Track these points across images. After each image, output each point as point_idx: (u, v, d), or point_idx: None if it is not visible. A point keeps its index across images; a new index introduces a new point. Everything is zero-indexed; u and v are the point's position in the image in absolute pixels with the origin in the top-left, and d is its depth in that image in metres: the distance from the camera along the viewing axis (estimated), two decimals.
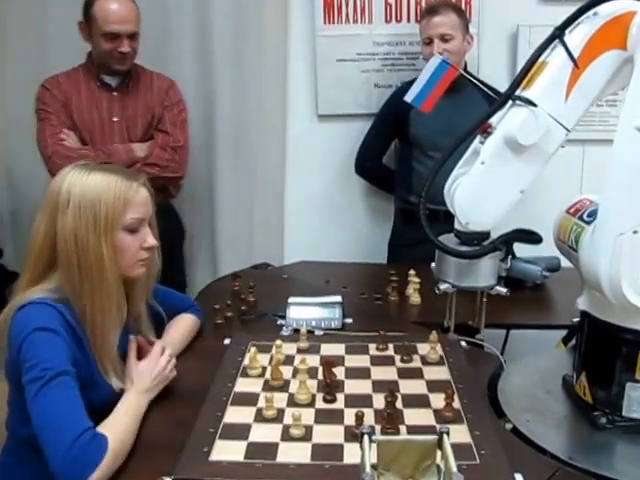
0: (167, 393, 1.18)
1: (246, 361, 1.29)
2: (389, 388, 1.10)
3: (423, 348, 1.33)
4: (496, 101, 1.09)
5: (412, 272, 1.68)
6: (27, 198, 2.41)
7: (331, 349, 1.37)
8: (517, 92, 1.05)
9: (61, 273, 1.09)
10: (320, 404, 1.15)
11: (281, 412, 1.12)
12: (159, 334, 1.32)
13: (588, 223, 1.09)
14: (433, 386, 1.20)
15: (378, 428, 1.04)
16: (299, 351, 1.35)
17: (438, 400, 1.13)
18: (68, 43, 2.24)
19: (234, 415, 1.12)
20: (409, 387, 1.20)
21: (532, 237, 1.14)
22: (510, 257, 1.16)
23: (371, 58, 2.33)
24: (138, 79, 2.01)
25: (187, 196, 2.31)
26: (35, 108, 1.93)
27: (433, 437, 0.82)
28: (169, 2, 2.26)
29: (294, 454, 1.01)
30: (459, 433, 1.04)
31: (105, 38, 1.86)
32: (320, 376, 1.21)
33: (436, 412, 1.11)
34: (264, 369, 1.27)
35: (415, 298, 1.64)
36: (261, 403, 1.14)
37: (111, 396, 1.10)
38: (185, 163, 2.02)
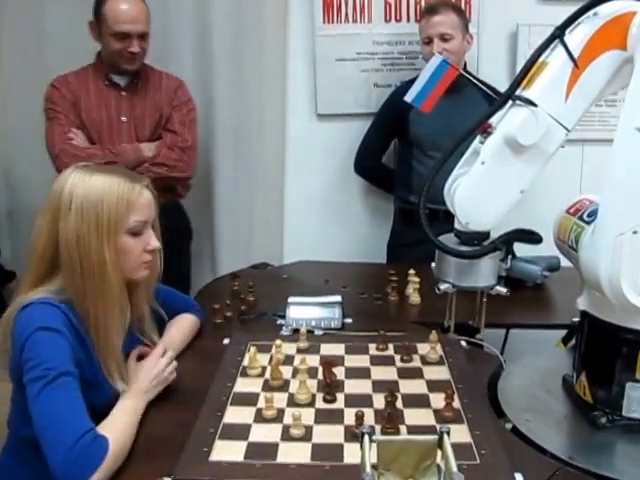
0: (166, 393, 1.18)
1: (246, 361, 1.29)
2: (389, 388, 1.10)
3: (423, 348, 1.33)
4: (496, 101, 1.09)
5: (412, 272, 1.68)
6: (25, 198, 2.41)
7: (331, 349, 1.37)
8: (517, 92, 1.05)
9: (64, 275, 1.09)
10: (320, 404, 1.15)
11: (281, 412, 1.12)
12: (160, 334, 1.31)
13: (588, 223, 1.09)
14: (433, 386, 1.20)
15: (378, 428, 1.04)
16: (299, 351, 1.35)
17: (438, 400, 1.13)
18: (67, 43, 2.25)
19: (234, 415, 1.12)
20: (409, 387, 1.20)
21: (532, 237, 1.14)
22: (510, 257, 1.16)
23: (371, 57, 2.33)
24: (147, 79, 2.01)
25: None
26: (44, 107, 1.93)
27: (433, 437, 0.82)
28: (169, 2, 2.26)
29: (294, 454, 1.01)
30: (459, 433, 1.04)
31: (115, 38, 1.86)
32: (320, 376, 1.21)
33: (436, 412, 1.11)
34: (264, 369, 1.26)
35: (415, 298, 1.64)
36: (261, 403, 1.14)
37: (114, 398, 1.10)
38: (193, 163, 2.03)
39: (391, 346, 1.36)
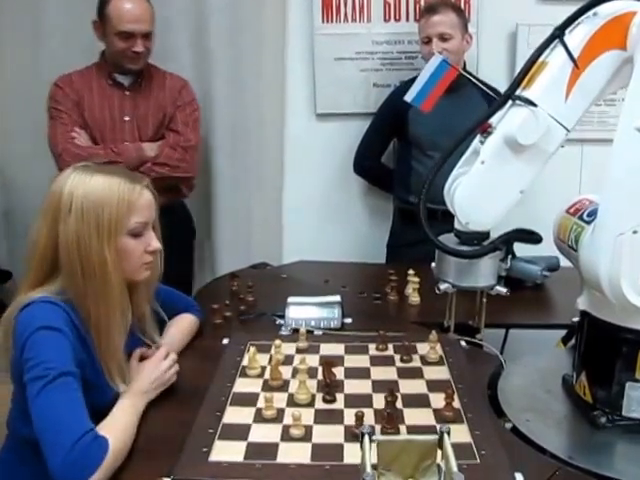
0: (166, 393, 1.18)
1: (245, 361, 1.29)
2: (389, 388, 1.10)
3: (423, 348, 1.33)
4: (496, 101, 1.08)
5: (411, 272, 1.68)
6: (20, 198, 2.41)
7: (330, 349, 1.36)
8: (517, 92, 1.05)
9: (64, 276, 1.08)
10: (320, 404, 1.15)
11: (281, 412, 1.11)
12: (160, 334, 1.31)
13: (588, 223, 1.09)
14: (433, 386, 1.20)
15: (378, 428, 1.04)
16: (298, 351, 1.35)
17: (438, 400, 1.13)
18: (62, 43, 2.25)
19: (233, 415, 1.11)
20: (409, 387, 1.20)
21: (532, 237, 1.14)
22: (510, 257, 1.16)
23: (370, 57, 2.33)
24: (151, 78, 2.01)
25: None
26: (47, 106, 1.94)
27: (433, 437, 0.82)
28: (168, 1, 2.26)
29: (294, 454, 1.00)
30: (459, 433, 1.04)
31: (119, 37, 1.87)
32: (320, 376, 1.21)
33: (436, 412, 1.11)
34: (263, 369, 1.26)
35: (414, 298, 1.64)
36: (260, 403, 1.14)
37: (114, 398, 1.09)
38: (196, 163, 2.03)
39: (391, 346, 1.36)
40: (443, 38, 1.99)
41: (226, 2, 2.25)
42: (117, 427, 1.01)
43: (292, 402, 1.15)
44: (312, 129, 2.42)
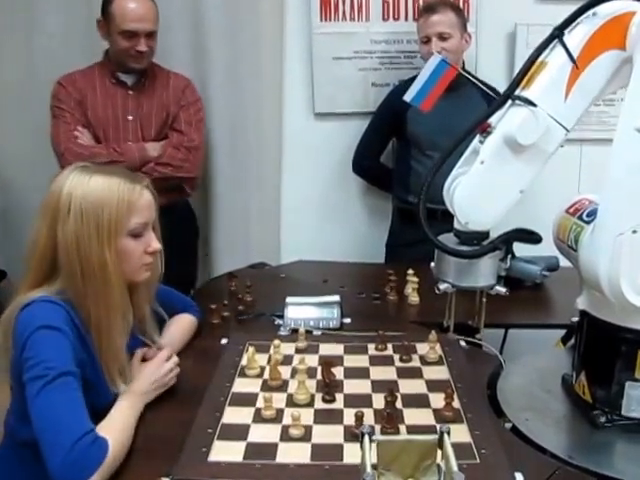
0: (165, 394, 1.18)
1: (244, 361, 1.28)
2: (389, 388, 1.10)
3: (422, 348, 1.33)
4: (495, 100, 1.08)
5: (410, 272, 1.68)
6: (15, 197, 2.40)
7: (330, 349, 1.36)
8: (516, 92, 1.05)
9: (63, 277, 1.08)
10: (319, 404, 1.15)
11: (280, 412, 1.11)
12: (160, 334, 1.31)
13: (588, 223, 1.09)
14: (433, 386, 1.20)
15: (378, 428, 1.04)
16: (297, 351, 1.35)
17: (438, 400, 1.12)
18: (59, 43, 2.25)
19: (232, 415, 1.11)
20: (408, 387, 1.20)
21: (532, 237, 1.14)
22: (510, 257, 1.16)
23: (368, 56, 2.32)
24: (154, 78, 2.01)
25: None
26: (50, 105, 1.93)
27: (433, 437, 0.82)
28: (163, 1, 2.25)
29: (294, 454, 1.00)
30: (459, 432, 1.04)
31: (123, 36, 1.86)
32: (319, 376, 1.21)
33: (436, 412, 1.11)
34: (262, 369, 1.26)
35: (414, 298, 1.64)
36: (260, 403, 1.14)
37: (114, 399, 1.09)
38: (199, 163, 2.03)
39: (390, 346, 1.35)
40: (442, 37, 1.98)
41: (225, 3, 2.24)
42: (116, 428, 1.01)
43: (291, 402, 1.15)
44: (310, 128, 2.42)
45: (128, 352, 1.17)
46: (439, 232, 1.13)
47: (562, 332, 1.43)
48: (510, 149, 1.05)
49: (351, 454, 0.98)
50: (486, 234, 1.12)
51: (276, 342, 1.31)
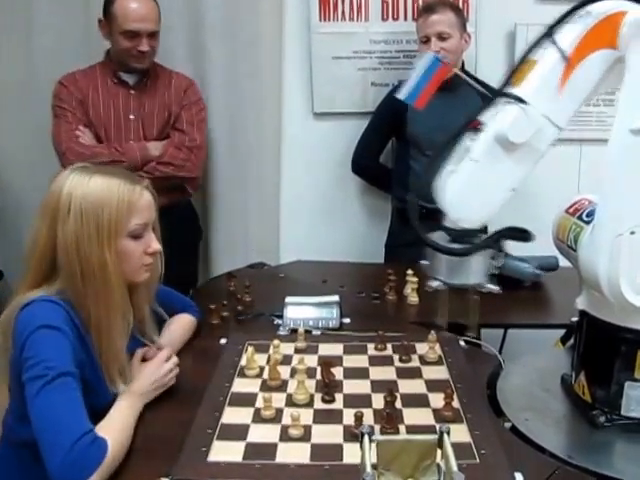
0: (164, 394, 1.18)
1: (243, 361, 1.28)
2: (388, 388, 1.10)
3: (422, 348, 1.33)
4: (486, 98, 1.08)
5: (410, 272, 1.68)
6: (12, 197, 2.40)
7: (329, 349, 1.36)
8: (508, 90, 1.05)
9: (63, 278, 1.07)
10: (319, 404, 1.15)
11: (279, 412, 1.11)
12: (158, 334, 1.31)
13: (587, 223, 1.08)
14: (432, 386, 1.20)
15: (377, 428, 1.04)
16: (297, 351, 1.35)
17: (437, 400, 1.12)
18: (56, 42, 2.24)
19: (232, 415, 1.11)
20: (408, 387, 1.20)
21: (523, 235, 1.13)
22: (503, 255, 1.16)
23: (367, 56, 2.32)
24: (157, 78, 2.01)
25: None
26: (52, 104, 1.93)
27: (433, 436, 0.82)
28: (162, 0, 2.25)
29: (293, 454, 1.00)
30: (459, 432, 1.04)
31: (124, 36, 1.86)
32: (318, 376, 1.21)
33: (435, 412, 1.11)
34: (262, 369, 1.26)
35: (413, 298, 1.64)
36: (259, 403, 1.13)
37: (113, 399, 1.09)
38: (201, 163, 2.03)
39: (389, 346, 1.35)
40: (441, 37, 1.98)
41: (224, 3, 2.23)
42: (115, 428, 1.01)
43: (291, 402, 1.15)
44: (309, 128, 2.41)
45: (127, 352, 1.16)
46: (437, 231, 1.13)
47: (561, 332, 1.43)
48: (501, 147, 1.04)
49: (351, 454, 0.98)
50: (477, 232, 1.11)
51: (275, 342, 1.30)
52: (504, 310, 1.52)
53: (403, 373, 1.26)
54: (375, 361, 1.31)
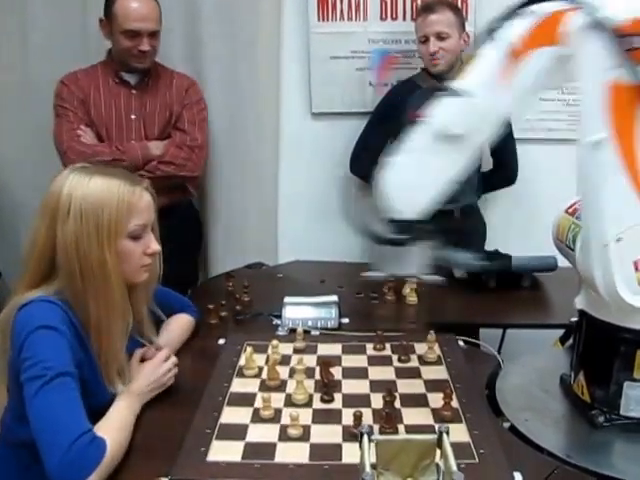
0: (163, 394, 1.17)
1: (242, 361, 1.28)
2: (387, 388, 1.10)
3: (421, 348, 1.33)
4: (429, 92, 1.09)
5: None
6: (9, 197, 2.39)
7: (328, 349, 1.36)
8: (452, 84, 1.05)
9: (62, 278, 1.07)
10: (318, 404, 1.14)
11: (278, 412, 1.11)
12: (156, 334, 1.30)
13: None
14: (431, 385, 1.20)
15: (376, 428, 1.04)
16: (296, 351, 1.34)
17: (436, 399, 1.12)
18: (51, 42, 2.24)
19: (231, 415, 1.11)
20: (407, 387, 1.20)
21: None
22: (442, 246, 1.16)
23: (366, 56, 2.31)
24: (158, 77, 2.01)
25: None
26: (53, 104, 1.93)
27: (432, 436, 0.82)
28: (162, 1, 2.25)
29: (292, 454, 1.00)
30: (458, 432, 1.04)
31: (125, 36, 1.86)
32: (317, 376, 1.21)
33: (434, 411, 1.11)
34: (260, 369, 1.26)
35: (412, 298, 1.63)
36: (258, 403, 1.13)
37: (112, 399, 1.09)
38: (202, 163, 2.03)
39: (388, 346, 1.35)
40: (440, 37, 1.98)
41: (223, 2, 2.23)
42: (114, 427, 1.01)
43: (290, 402, 1.14)
44: (308, 128, 2.41)
45: (126, 353, 1.16)
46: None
47: (560, 332, 1.43)
48: (442, 139, 1.05)
49: (350, 454, 0.98)
50: (416, 222, 1.10)
51: (274, 342, 1.30)
52: (503, 310, 1.52)
53: (402, 373, 1.25)
54: (374, 361, 1.31)
